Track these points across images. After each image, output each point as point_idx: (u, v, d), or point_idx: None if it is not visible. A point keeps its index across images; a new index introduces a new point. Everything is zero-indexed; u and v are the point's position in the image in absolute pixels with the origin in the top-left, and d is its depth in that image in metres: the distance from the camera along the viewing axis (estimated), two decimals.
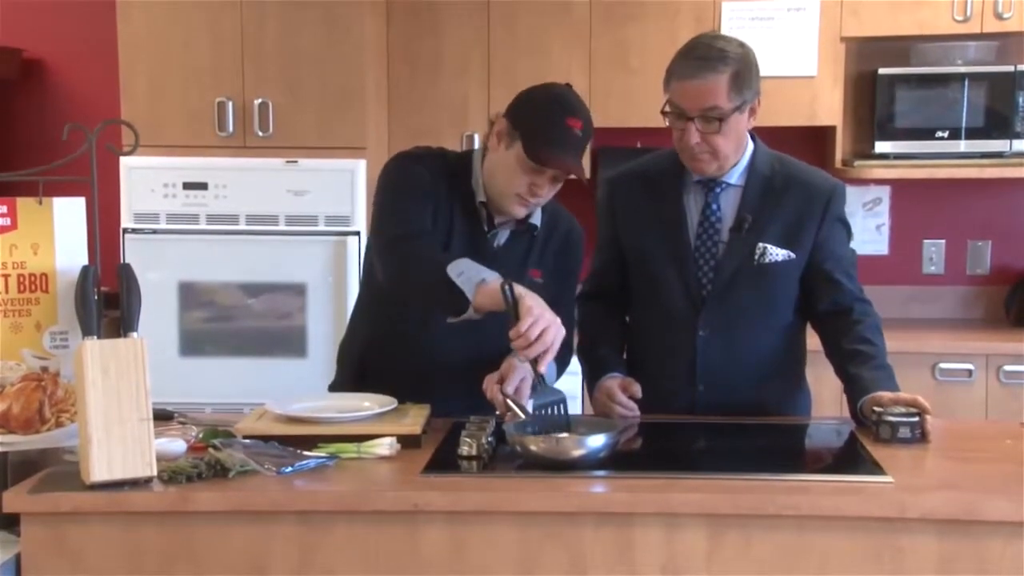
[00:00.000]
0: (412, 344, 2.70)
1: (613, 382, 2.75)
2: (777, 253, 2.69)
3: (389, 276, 2.62)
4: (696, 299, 2.72)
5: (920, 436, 2.46)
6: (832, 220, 2.74)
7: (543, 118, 2.60)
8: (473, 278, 2.43)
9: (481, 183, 2.69)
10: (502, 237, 2.74)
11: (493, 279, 2.42)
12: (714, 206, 2.72)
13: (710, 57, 2.58)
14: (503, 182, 2.64)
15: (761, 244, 2.69)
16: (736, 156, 2.70)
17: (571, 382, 4.15)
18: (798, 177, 2.76)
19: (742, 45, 2.64)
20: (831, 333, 2.76)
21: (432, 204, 2.66)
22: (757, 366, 2.75)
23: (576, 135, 2.59)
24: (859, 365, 2.66)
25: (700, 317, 2.72)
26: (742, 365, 2.73)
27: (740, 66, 2.59)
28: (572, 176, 2.65)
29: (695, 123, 2.60)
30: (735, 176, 2.72)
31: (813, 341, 2.86)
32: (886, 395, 2.55)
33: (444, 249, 2.63)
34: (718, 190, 2.72)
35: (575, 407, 4.09)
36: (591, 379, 2.84)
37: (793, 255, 2.70)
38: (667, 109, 2.66)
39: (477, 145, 4.44)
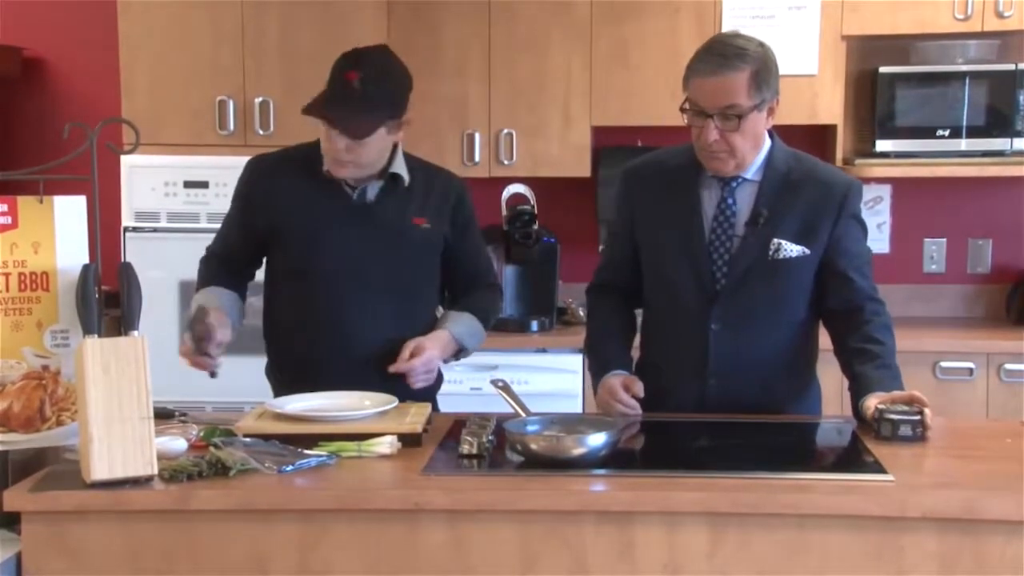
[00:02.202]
0: (322, 326, 2.84)
1: (616, 380, 2.75)
2: (792, 249, 2.69)
3: None
4: (709, 293, 2.72)
5: (921, 434, 2.46)
6: (847, 217, 2.73)
7: (328, 80, 2.73)
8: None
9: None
10: (372, 192, 2.84)
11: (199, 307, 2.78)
12: (730, 200, 2.72)
13: (730, 55, 2.59)
14: (323, 146, 2.78)
15: (776, 239, 2.69)
16: (753, 155, 2.69)
17: (571, 381, 4.20)
18: (815, 174, 2.76)
19: (762, 45, 2.64)
20: (840, 330, 2.76)
21: (250, 220, 2.90)
22: (768, 361, 2.74)
23: (352, 86, 2.67)
24: (865, 363, 2.66)
25: (712, 311, 2.71)
26: (753, 360, 2.73)
27: (760, 65, 2.60)
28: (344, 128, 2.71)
29: (714, 120, 2.60)
30: (752, 171, 2.71)
31: (827, 340, 2.85)
32: (873, 398, 2.56)
33: (315, 222, 2.82)
34: (734, 184, 2.71)
35: (574, 406, 4.11)
36: (596, 376, 2.84)
37: (808, 251, 2.70)
38: (686, 107, 2.66)
39: (478, 140, 4.47)
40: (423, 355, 2.75)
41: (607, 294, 2.94)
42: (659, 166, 2.85)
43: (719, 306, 2.71)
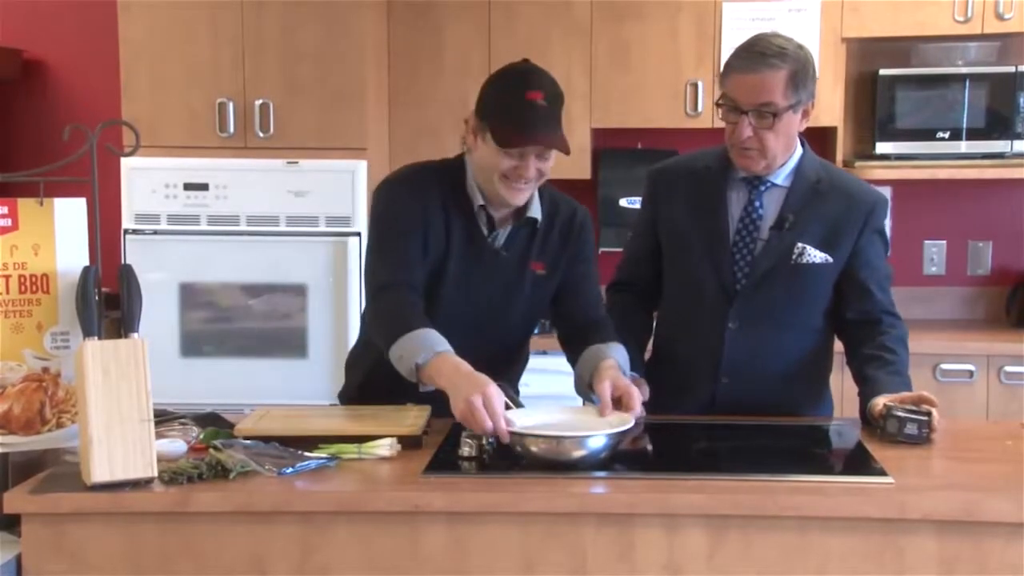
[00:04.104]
0: None
1: None
2: (815, 255, 2.70)
3: (368, 325, 2.73)
4: (729, 292, 2.73)
5: (927, 435, 2.46)
6: (872, 231, 2.75)
7: (502, 101, 2.61)
8: (410, 359, 2.47)
9: (476, 186, 2.69)
10: (502, 236, 2.73)
11: (432, 358, 2.45)
12: (757, 203, 2.73)
13: (769, 53, 2.60)
14: (489, 173, 2.62)
15: (800, 244, 2.70)
16: (784, 156, 2.71)
17: (570, 383, 4.19)
18: (843, 185, 2.78)
19: (801, 47, 2.66)
20: (855, 340, 2.77)
21: (421, 235, 2.66)
22: (782, 365, 2.76)
23: (540, 107, 2.57)
24: (876, 368, 2.67)
25: (731, 310, 2.72)
26: (767, 362, 2.74)
27: (798, 66, 2.61)
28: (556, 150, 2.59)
29: (748, 117, 2.61)
30: (781, 177, 2.73)
31: (841, 353, 2.86)
32: (882, 397, 2.57)
33: (444, 257, 2.65)
34: (762, 188, 2.73)
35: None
36: None
37: (831, 259, 2.71)
38: (721, 102, 2.67)
39: None
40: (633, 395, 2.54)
41: (625, 293, 2.96)
42: (687, 167, 2.86)
43: (737, 305, 2.72)
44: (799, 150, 2.75)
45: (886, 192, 4.65)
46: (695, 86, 4.42)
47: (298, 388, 4.02)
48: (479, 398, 2.34)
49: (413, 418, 2.53)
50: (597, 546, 2.15)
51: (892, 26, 4.34)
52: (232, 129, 4.34)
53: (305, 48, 4.29)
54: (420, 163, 2.81)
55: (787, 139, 2.68)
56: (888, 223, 4.59)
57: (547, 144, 2.57)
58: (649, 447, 2.66)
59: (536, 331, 4.33)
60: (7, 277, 2.32)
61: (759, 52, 2.61)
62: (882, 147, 4.41)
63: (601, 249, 4.54)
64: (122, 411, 2.18)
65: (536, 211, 2.73)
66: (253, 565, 2.17)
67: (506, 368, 2.73)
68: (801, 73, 2.62)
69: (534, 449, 2.31)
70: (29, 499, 2.17)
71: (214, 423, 2.60)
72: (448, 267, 2.68)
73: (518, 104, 2.56)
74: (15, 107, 4.96)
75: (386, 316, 2.61)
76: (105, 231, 2.35)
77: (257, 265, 4.22)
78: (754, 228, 2.72)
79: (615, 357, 2.65)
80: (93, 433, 2.15)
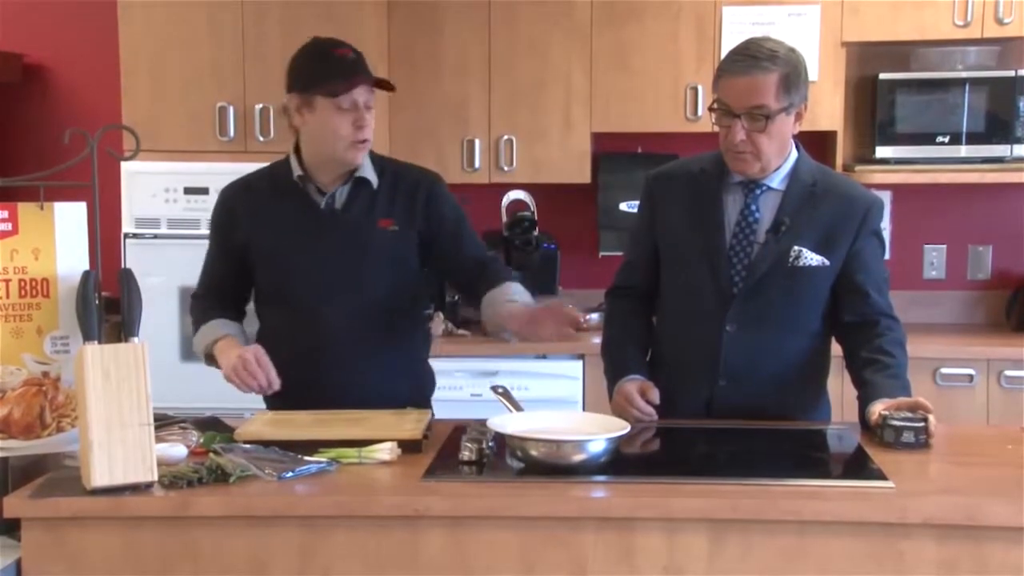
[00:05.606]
0: (300, 337, 2.83)
1: (632, 385, 2.76)
2: (811, 258, 2.71)
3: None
4: (726, 295, 2.73)
5: (924, 441, 2.46)
6: (868, 233, 2.76)
7: (315, 65, 2.80)
8: (200, 348, 2.87)
9: (295, 162, 2.85)
10: (340, 199, 2.85)
11: (213, 342, 2.81)
12: (752, 207, 2.73)
13: (761, 56, 2.61)
14: (332, 138, 2.78)
15: (796, 247, 2.70)
16: (779, 159, 2.71)
17: (571, 387, 4.21)
18: (839, 188, 2.79)
19: (793, 50, 2.67)
20: (853, 343, 2.77)
21: (224, 242, 2.92)
22: (780, 368, 2.76)
23: (350, 58, 2.78)
24: (875, 372, 2.67)
25: (728, 313, 2.73)
26: (765, 364, 2.74)
27: (790, 69, 2.63)
28: (380, 91, 2.81)
29: (741, 120, 2.62)
30: (776, 180, 2.73)
31: (836, 349, 2.86)
32: (879, 404, 2.57)
33: (285, 234, 2.84)
34: (758, 192, 2.73)
35: (575, 409, 4.10)
36: (611, 380, 2.86)
37: (827, 262, 2.72)
38: (715, 106, 2.68)
39: (478, 146, 4.48)
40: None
41: (625, 298, 2.96)
42: (684, 172, 2.87)
43: (735, 308, 2.72)
44: (794, 153, 2.75)
45: (886, 196, 4.72)
46: (695, 90, 4.42)
47: None
48: (250, 353, 2.66)
49: (413, 422, 2.53)
50: (597, 550, 2.15)
51: (892, 30, 4.34)
52: (232, 133, 4.34)
53: None
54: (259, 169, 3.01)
55: (781, 142, 2.68)
56: (888, 226, 4.69)
57: (371, 82, 2.76)
58: (649, 451, 2.66)
59: None
60: (7, 281, 2.32)
61: (750, 55, 2.62)
62: (882, 151, 4.41)
63: (601, 253, 4.55)
64: (122, 415, 2.18)
65: (367, 172, 2.85)
66: (253, 569, 2.17)
67: (398, 337, 2.86)
68: (793, 75, 2.62)
69: (534, 453, 2.31)
70: (29, 503, 2.17)
71: (214, 427, 2.60)
72: (292, 239, 2.83)
73: (333, 59, 2.77)
74: (15, 111, 4.95)
75: (193, 320, 2.93)
76: (105, 235, 2.35)
77: None
78: (750, 232, 2.73)
79: (516, 298, 2.77)
80: (93, 437, 2.15)
